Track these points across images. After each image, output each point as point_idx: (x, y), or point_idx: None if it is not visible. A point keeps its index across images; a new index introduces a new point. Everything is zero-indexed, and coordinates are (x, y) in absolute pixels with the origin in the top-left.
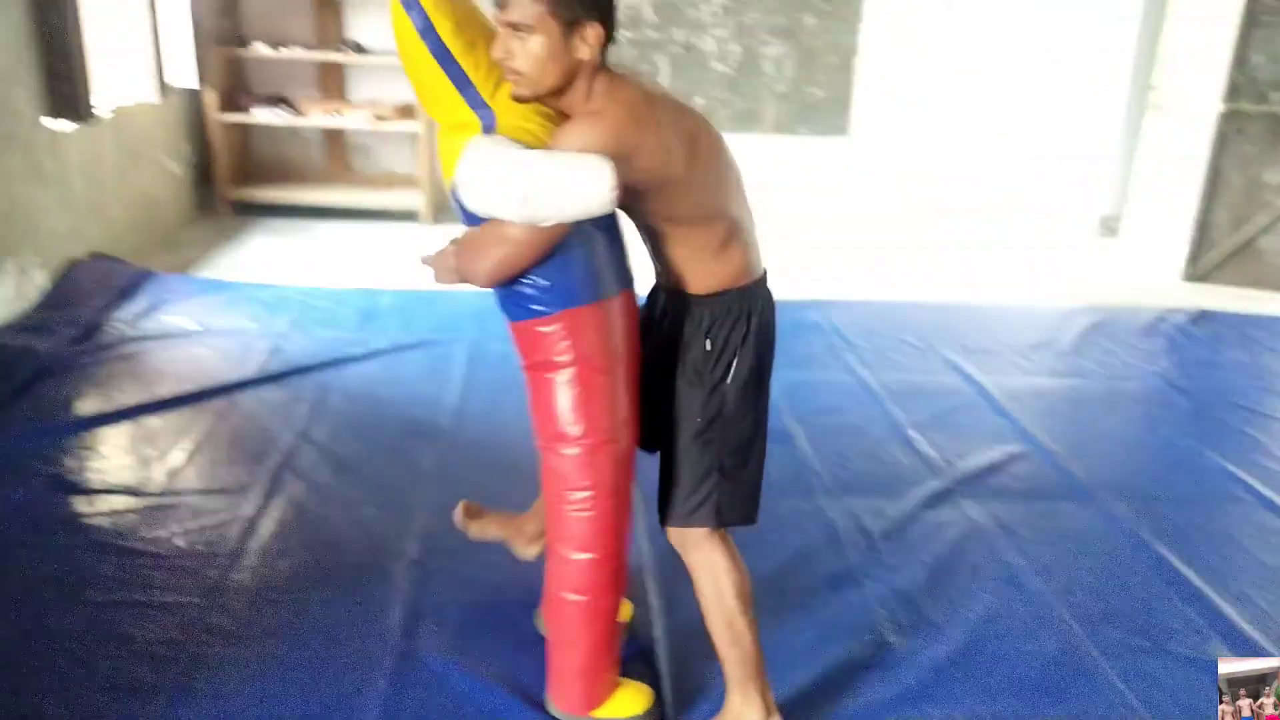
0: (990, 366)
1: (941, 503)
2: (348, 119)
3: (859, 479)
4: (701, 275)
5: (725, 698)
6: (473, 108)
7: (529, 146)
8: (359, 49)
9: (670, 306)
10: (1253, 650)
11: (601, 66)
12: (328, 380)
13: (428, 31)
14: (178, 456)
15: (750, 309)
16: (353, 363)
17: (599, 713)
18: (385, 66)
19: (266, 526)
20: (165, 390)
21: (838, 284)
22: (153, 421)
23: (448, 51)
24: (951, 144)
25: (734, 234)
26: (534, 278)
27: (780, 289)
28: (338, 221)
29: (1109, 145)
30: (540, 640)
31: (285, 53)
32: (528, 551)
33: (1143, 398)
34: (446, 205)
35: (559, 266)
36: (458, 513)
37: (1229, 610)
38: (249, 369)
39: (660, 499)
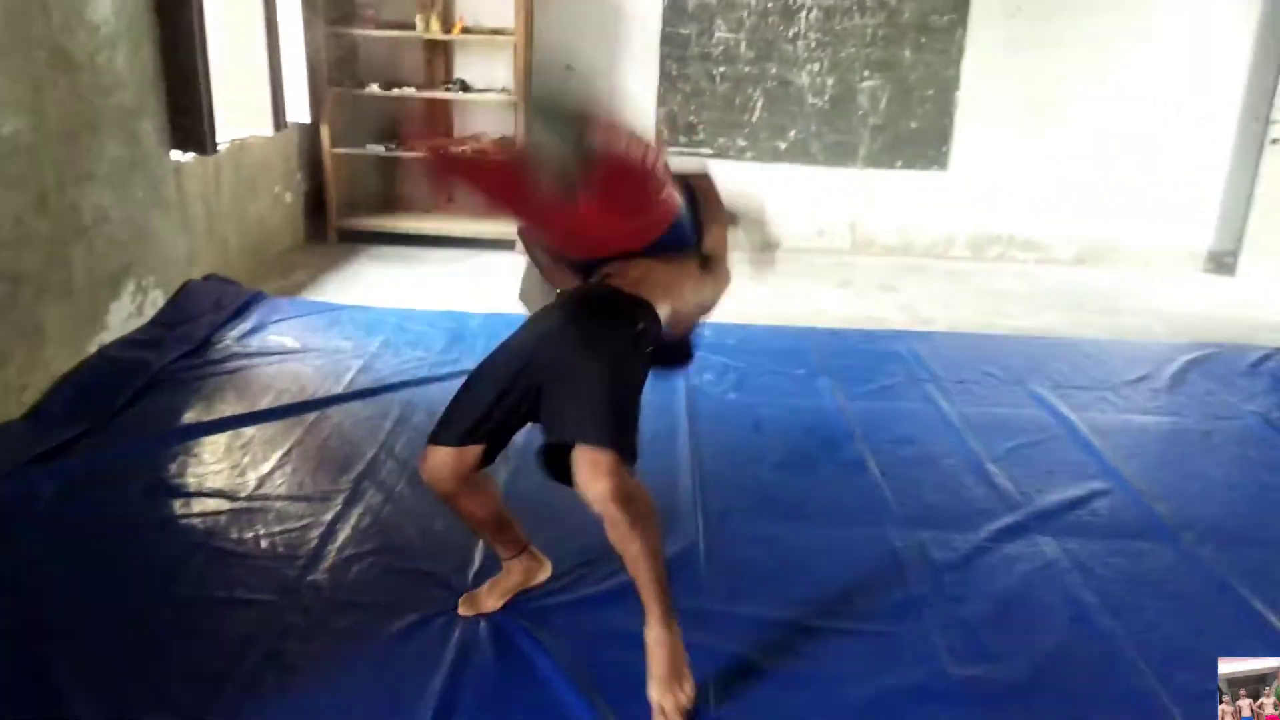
0: (1079, 402)
1: (1014, 537)
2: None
3: (930, 510)
4: None
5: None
6: None
7: None
8: (465, 88)
9: None
10: None
11: None
12: (412, 397)
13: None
14: (268, 465)
15: None
16: (437, 381)
17: None
18: (487, 104)
19: (344, 532)
20: (263, 403)
21: (927, 317)
22: (249, 431)
23: None
24: (1051, 177)
25: None
26: None
27: (860, 319)
28: (437, 249)
29: (1216, 180)
30: (603, 637)
31: (397, 92)
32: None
33: (1239, 438)
34: None
35: None
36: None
37: None
38: (340, 386)
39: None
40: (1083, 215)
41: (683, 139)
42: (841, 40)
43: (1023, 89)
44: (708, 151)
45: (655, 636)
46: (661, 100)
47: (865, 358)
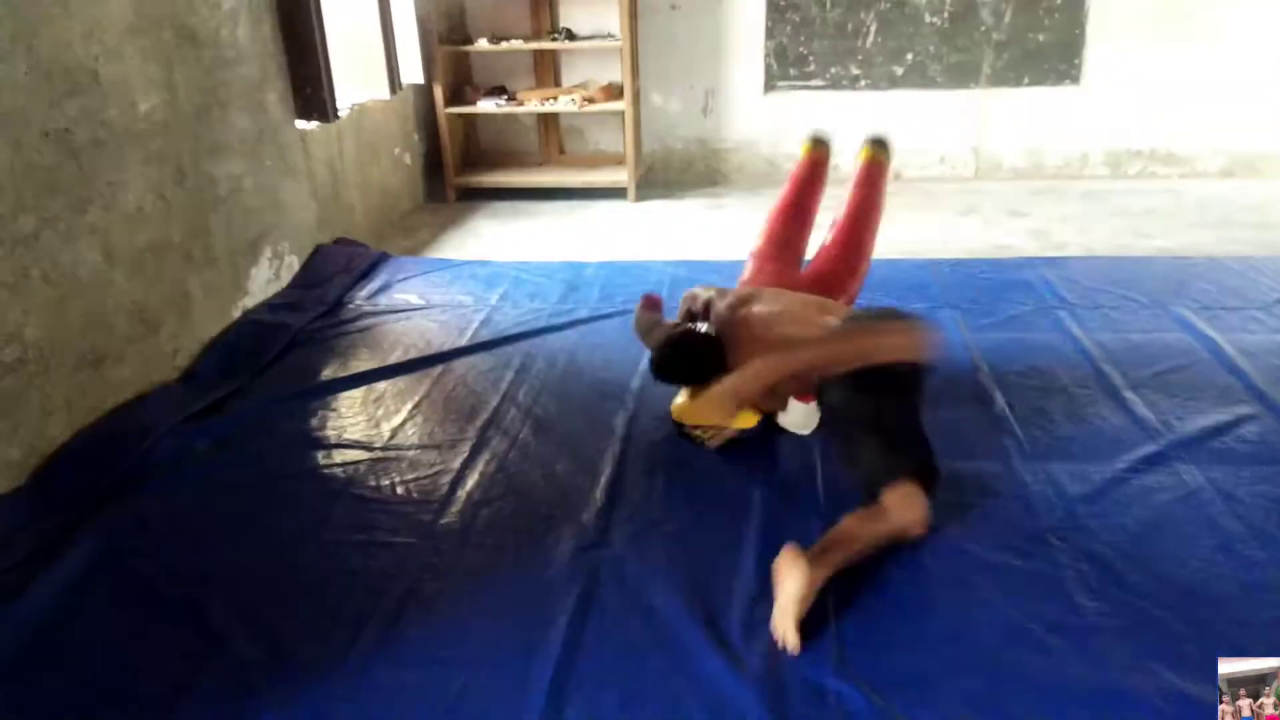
0: (1226, 324)
1: (1154, 467)
2: (559, 104)
3: (1061, 442)
4: None
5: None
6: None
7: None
8: (571, 36)
9: None
10: None
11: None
12: (532, 347)
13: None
14: (400, 416)
15: None
16: (555, 331)
17: None
18: (594, 50)
19: (472, 478)
20: (393, 358)
21: (1060, 242)
22: (381, 385)
23: None
24: (1194, 85)
25: None
26: None
27: (987, 249)
28: (553, 202)
29: None
30: (714, 560)
31: (505, 46)
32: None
33: None
34: (649, 180)
35: None
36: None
37: None
38: (464, 339)
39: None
40: (1230, 124)
41: (793, 71)
42: None
43: None
44: (819, 83)
45: (810, 578)
46: (770, 33)
47: (992, 287)
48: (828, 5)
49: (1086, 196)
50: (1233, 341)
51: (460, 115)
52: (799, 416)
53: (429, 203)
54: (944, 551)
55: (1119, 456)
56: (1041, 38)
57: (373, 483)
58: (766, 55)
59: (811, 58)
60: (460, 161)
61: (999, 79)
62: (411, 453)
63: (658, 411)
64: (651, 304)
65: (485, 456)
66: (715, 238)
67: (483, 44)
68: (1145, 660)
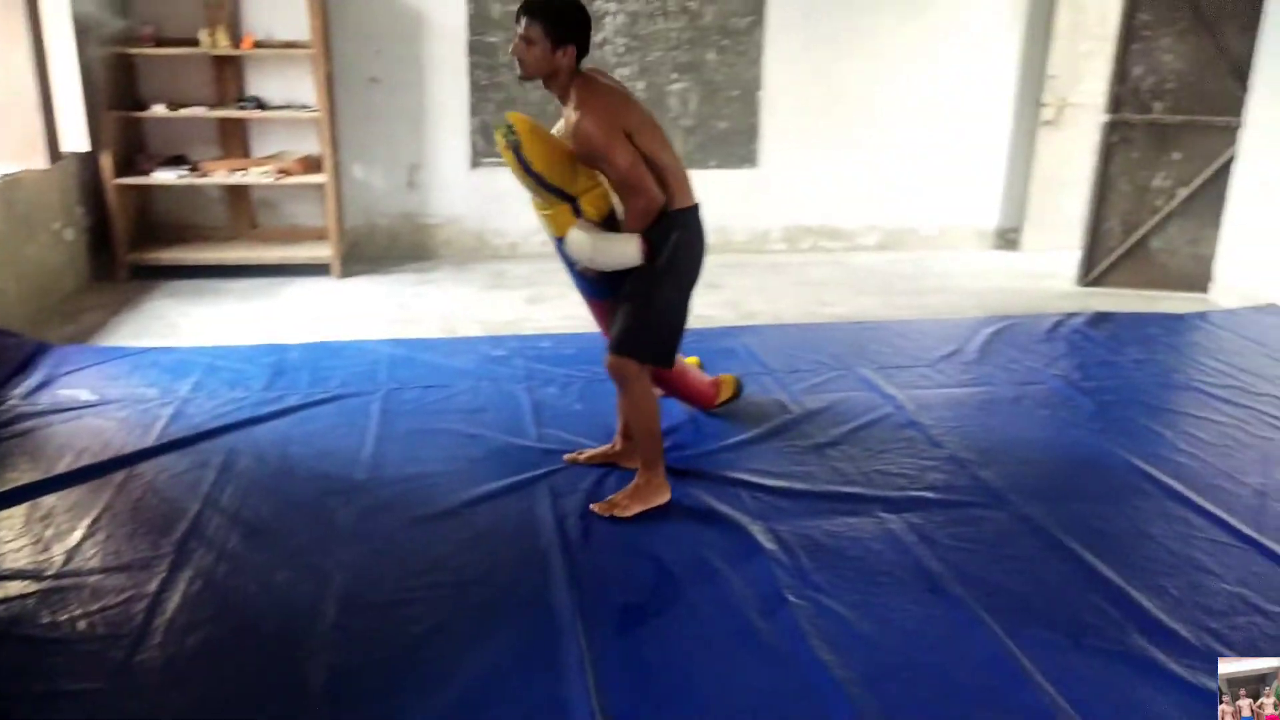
0: (901, 380)
1: (861, 515)
2: (252, 175)
3: (778, 497)
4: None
5: (636, 475)
6: (560, 199)
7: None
8: (262, 105)
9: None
10: (1169, 639)
11: (577, 71)
12: (235, 442)
13: (529, 170)
14: (76, 535)
15: (675, 223)
16: (261, 422)
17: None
18: (289, 120)
19: (173, 601)
20: (62, 466)
21: (752, 311)
22: (49, 500)
23: (537, 173)
24: (850, 169)
25: (664, 177)
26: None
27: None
28: (247, 279)
29: (998, 163)
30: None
31: (185, 113)
32: (632, 463)
33: (1047, 401)
34: (354, 255)
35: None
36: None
37: (1144, 601)
38: (150, 438)
39: (613, 337)
40: (881, 203)
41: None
42: (648, 44)
43: (819, 86)
44: None
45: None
46: (474, 110)
47: (701, 355)
48: (528, 87)
49: (770, 269)
50: (911, 397)
51: (132, 186)
52: (583, 243)
53: (97, 282)
54: (687, 614)
55: (830, 507)
56: (723, 124)
57: (46, 619)
58: (472, 132)
59: None
60: (134, 236)
61: (689, 161)
62: (93, 578)
63: (388, 503)
64: None
65: (188, 574)
66: (429, 314)
67: (159, 110)
68: (888, 706)
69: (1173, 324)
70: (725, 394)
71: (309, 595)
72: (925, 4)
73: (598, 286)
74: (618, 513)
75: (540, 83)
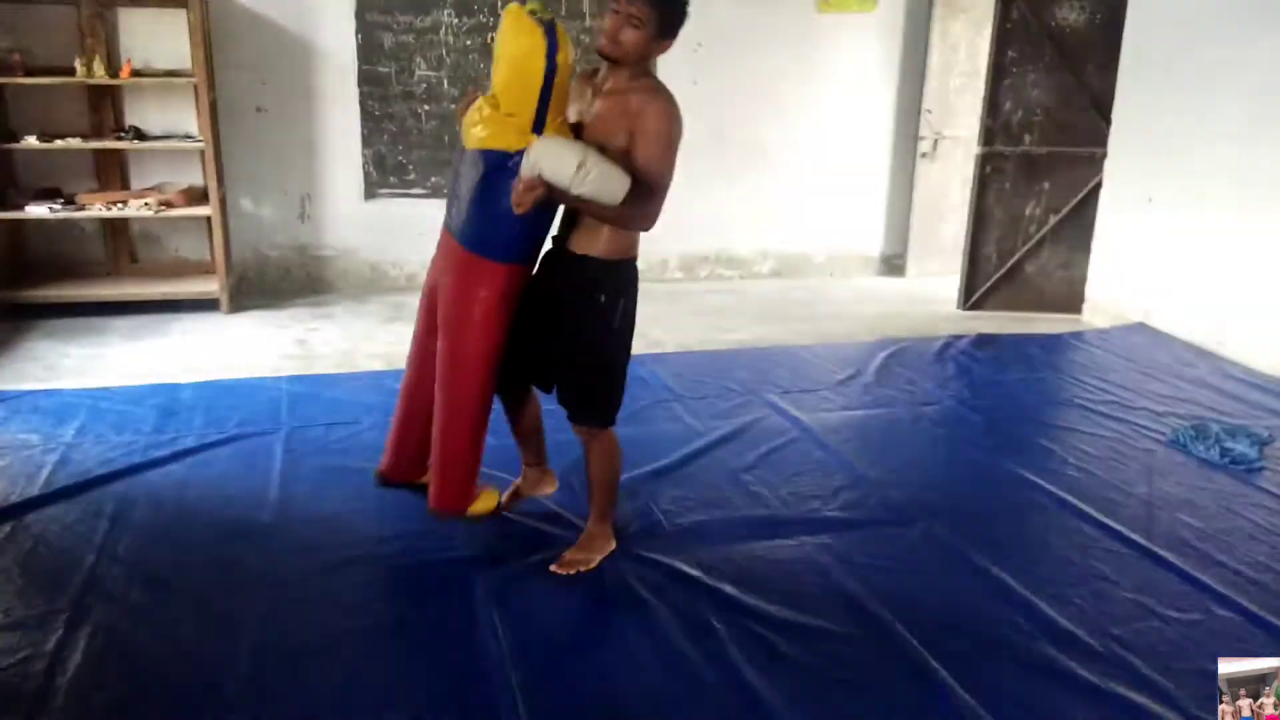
0: (806, 404)
1: (780, 539)
2: (131, 209)
3: (699, 524)
4: (614, 244)
5: (590, 525)
6: (534, 125)
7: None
8: (140, 135)
9: (568, 268)
10: (1078, 648)
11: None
12: (128, 489)
13: (551, 73)
14: None
15: (631, 276)
16: (155, 467)
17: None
18: (170, 151)
19: (74, 660)
20: None
21: (656, 339)
22: None
23: (551, 91)
24: (742, 198)
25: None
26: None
27: None
28: (129, 317)
29: (879, 192)
30: None
31: (59, 144)
32: (547, 490)
33: (943, 420)
34: (244, 290)
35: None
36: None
37: (1050, 610)
38: (35, 487)
39: (574, 409)
40: (774, 232)
41: (393, 179)
42: None
43: (709, 120)
44: (420, 191)
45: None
46: (367, 141)
47: None
48: (423, 118)
49: (670, 296)
50: (817, 420)
51: (3, 221)
52: (563, 155)
53: None
54: (616, 645)
55: (748, 532)
56: None
57: None
58: (365, 162)
59: (411, 166)
60: (6, 274)
61: None
62: None
63: (298, 546)
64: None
65: (87, 630)
66: (325, 348)
67: (30, 141)
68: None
69: (1051, 344)
70: (481, 505)
71: (219, 647)
72: (807, 44)
73: (499, 230)
74: (581, 569)
75: (476, 100)
